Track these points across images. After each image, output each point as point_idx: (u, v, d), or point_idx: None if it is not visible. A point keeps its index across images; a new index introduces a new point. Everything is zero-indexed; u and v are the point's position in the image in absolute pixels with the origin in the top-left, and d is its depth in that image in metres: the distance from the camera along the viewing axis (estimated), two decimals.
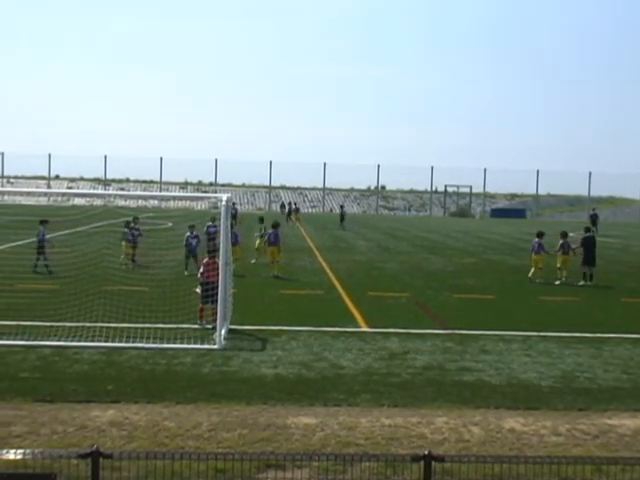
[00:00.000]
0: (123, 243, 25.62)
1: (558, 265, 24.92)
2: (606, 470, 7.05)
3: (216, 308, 14.58)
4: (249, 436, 9.13)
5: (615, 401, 11.12)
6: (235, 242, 22.73)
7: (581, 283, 24.29)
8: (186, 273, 23.38)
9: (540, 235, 25.31)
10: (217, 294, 14.51)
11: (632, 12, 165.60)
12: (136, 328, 14.49)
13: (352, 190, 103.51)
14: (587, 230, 26.19)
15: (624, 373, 12.76)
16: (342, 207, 62.93)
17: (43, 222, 24.24)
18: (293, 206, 66.82)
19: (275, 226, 25.65)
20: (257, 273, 24.60)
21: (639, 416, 10.43)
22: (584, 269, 24.73)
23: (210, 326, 15.06)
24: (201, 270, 16.14)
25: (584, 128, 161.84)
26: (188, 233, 24.65)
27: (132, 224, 26.37)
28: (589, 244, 25.05)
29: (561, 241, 25.19)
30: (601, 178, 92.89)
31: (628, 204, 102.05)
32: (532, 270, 25.01)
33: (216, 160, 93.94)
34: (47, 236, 24.47)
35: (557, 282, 24.55)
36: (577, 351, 14.34)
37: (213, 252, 16.39)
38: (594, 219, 54.88)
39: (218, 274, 14.80)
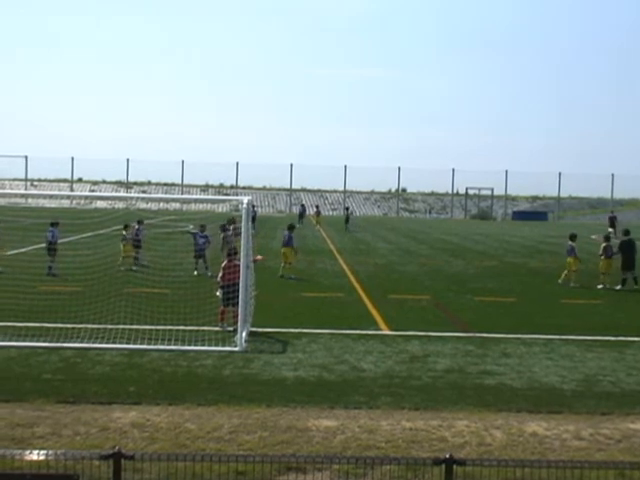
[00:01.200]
0: (122, 245, 25.84)
1: (602, 270, 24.31)
2: (629, 475, 6.99)
3: (237, 310, 14.63)
4: (270, 438, 9.14)
5: (639, 405, 11.00)
6: None
7: (618, 287, 23.76)
8: (195, 273, 23.63)
9: (573, 238, 24.91)
10: (238, 296, 14.56)
11: None
12: (157, 330, 14.58)
13: (373, 192, 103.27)
14: (626, 233, 25.38)
15: None
16: (347, 209, 62.83)
17: (54, 224, 24.35)
18: (313, 209, 67.02)
19: (290, 228, 25.90)
20: (276, 275, 24.62)
21: None
22: (625, 275, 24.06)
23: (231, 328, 15.09)
24: (220, 274, 16.19)
25: (600, 129, 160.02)
26: (197, 232, 24.82)
27: (137, 226, 26.61)
28: (627, 248, 24.39)
29: (604, 244, 24.71)
30: (624, 180, 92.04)
31: None
32: (564, 273, 24.63)
33: (237, 163, 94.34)
34: (61, 240, 24.62)
35: (599, 286, 23.91)
36: (600, 355, 14.21)
37: (231, 255, 16.47)
38: (613, 221, 54.20)
39: (238, 276, 14.85)
